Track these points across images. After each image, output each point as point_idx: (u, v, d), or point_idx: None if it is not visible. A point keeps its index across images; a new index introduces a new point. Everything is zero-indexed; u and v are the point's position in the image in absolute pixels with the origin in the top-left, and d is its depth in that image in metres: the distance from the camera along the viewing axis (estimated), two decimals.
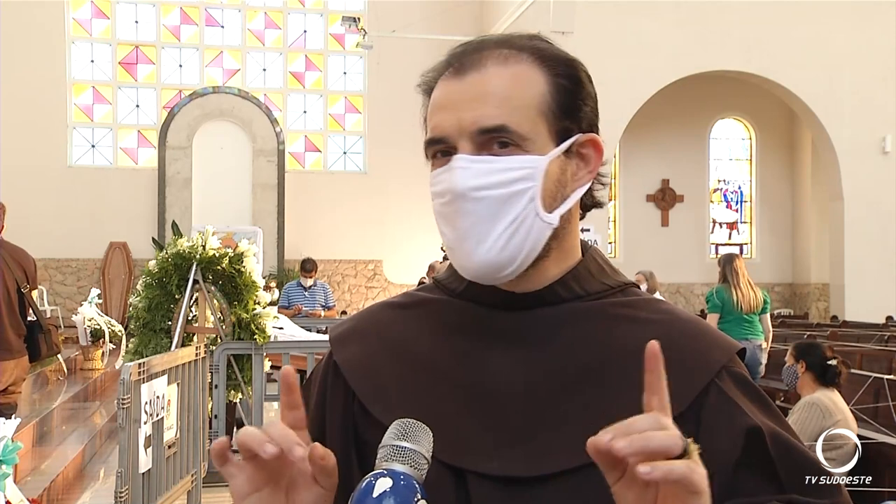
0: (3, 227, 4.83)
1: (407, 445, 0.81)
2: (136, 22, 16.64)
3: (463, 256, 0.94)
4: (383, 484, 0.77)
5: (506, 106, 0.93)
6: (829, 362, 4.42)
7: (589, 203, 1.03)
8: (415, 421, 0.83)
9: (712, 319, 7.03)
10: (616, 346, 0.95)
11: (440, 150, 0.96)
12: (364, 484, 0.78)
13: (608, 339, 0.96)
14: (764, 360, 7.26)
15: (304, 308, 9.19)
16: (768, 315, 7.35)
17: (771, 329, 7.51)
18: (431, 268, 9.24)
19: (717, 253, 17.72)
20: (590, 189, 1.02)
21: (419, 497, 0.78)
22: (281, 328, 6.55)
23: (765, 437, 0.91)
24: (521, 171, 0.93)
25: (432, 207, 0.98)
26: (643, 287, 8.18)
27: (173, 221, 6.72)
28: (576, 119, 0.97)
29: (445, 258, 8.90)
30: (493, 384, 0.94)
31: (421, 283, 5.61)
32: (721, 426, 0.91)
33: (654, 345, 0.76)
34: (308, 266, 9.57)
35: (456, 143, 0.94)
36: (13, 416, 2.65)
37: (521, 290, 0.98)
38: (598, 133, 1.01)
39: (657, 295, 7.44)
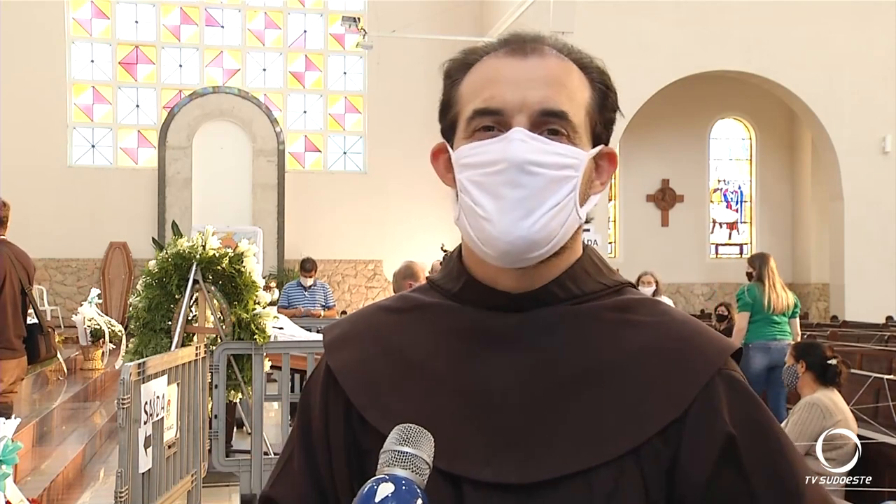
0: (7, 225, 4.83)
1: (408, 450, 0.81)
2: (136, 22, 16.64)
3: (501, 228, 0.92)
4: (385, 489, 0.77)
5: (566, 95, 0.96)
6: (829, 362, 4.42)
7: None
8: (416, 426, 0.83)
9: (742, 318, 6.96)
10: (612, 348, 0.95)
11: (489, 123, 0.95)
12: (366, 489, 0.78)
13: (604, 341, 0.95)
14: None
15: (303, 308, 9.19)
16: (797, 318, 7.26)
17: (799, 333, 7.42)
18: (432, 268, 9.24)
19: (716, 253, 17.75)
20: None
21: (421, 502, 0.78)
22: (281, 328, 6.54)
23: (738, 445, 0.90)
24: (571, 160, 0.94)
25: (462, 179, 0.96)
26: (652, 289, 7.72)
27: (173, 221, 6.71)
28: (606, 128, 1.01)
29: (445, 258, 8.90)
30: (488, 389, 0.94)
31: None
32: (701, 432, 0.90)
33: None
34: (308, 266, 9.56)
35: (511, 118, 0.94)
36: (13, 417, 2.65)
37: (518, 290, 0.97)
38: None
39: (664, 298, 7.48)
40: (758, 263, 7.19)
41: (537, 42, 0.98)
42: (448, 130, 1.01)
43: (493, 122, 0.95)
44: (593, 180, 0.99)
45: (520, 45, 0.98)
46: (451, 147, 1.00)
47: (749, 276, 7.26)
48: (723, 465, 0.90)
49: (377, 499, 0.77)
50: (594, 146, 0.98)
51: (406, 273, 5.22)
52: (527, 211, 0.92)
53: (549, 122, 0.94)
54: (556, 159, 0.93)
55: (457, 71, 1.01)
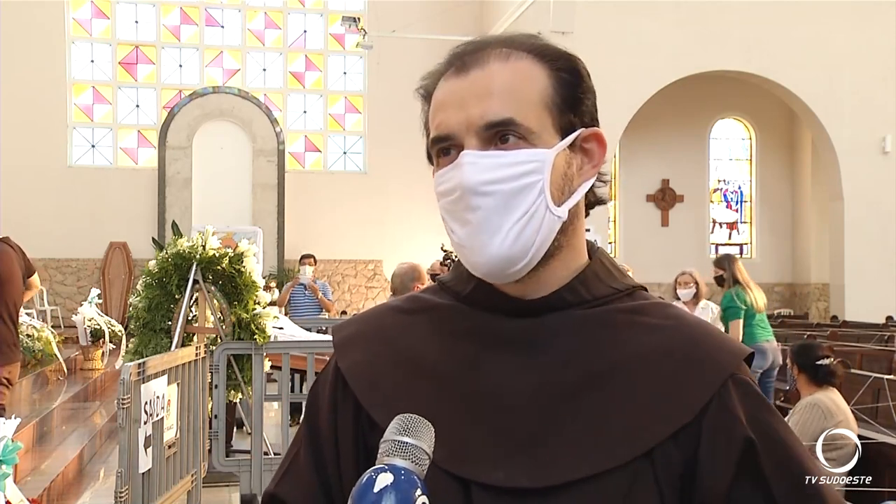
0: None
1: (408, 441, 0.81)
2: (136, 22, 16.64)
3: (475, 252, 0.93)
4: (384, 479, 0.77)
5: (511, 100, 0.93)
6: (819, 362, 4.41)
7: (592, 200, 1.03)
8: (416, 416, 0.83)
9: (738, 325, 6.66)
10: (623, 352, 0.94)
11: (445, 147, 0.96)
12: (365, 479, 0.78)
13: (615, 345, 0.95)
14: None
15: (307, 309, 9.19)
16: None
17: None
18: (432, 268, 9.24)
19: (717, 253, 17.72)
20: (591, 186, 1.01)
21: (420, 492, 0.78)
22: (281, 328, 6.54)
23: (757, 450, 0.90)
24: (530, 165, 0.93)
25: (439, 208, 0.97)
26: (692, 290, 6.78)
27: (173, 221, 6.71)
28: (578, 113, 0.97)
29: (445, 258, 8.90)
30: (499, 392, 0.93)
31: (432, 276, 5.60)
32: (719, 438, 0.90)
33: None
34: (306, 256, 9.67)
35: (462, 139, 0.94)
36: (13, 417, 2.65)
37: (529, 296, 0.97)
38: (599, 127, 1.01)
39: (706, 300, 6.91)
40: (727, 265, 6.95)
41: (478, 52, 0.97)
42: (429, 156, 1.02)
43: (447, 146, 0.96)
44: (577, 170, 0.97)
45: (461, 62, 0.97)
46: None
47: (719, 279, 6.98)
48: (743, 469, 0.90)
49: (376, 489, 0.77)
50: (566, 135, 0.96)
51: (414, 275, 5.25)
52: (491, 231, 0.92)
53: (499, 132, 0.93)
54: (511, 171, 0.92)
55: (424, 101, 1.02)
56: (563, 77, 0.97)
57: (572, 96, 0.97)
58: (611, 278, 1.01)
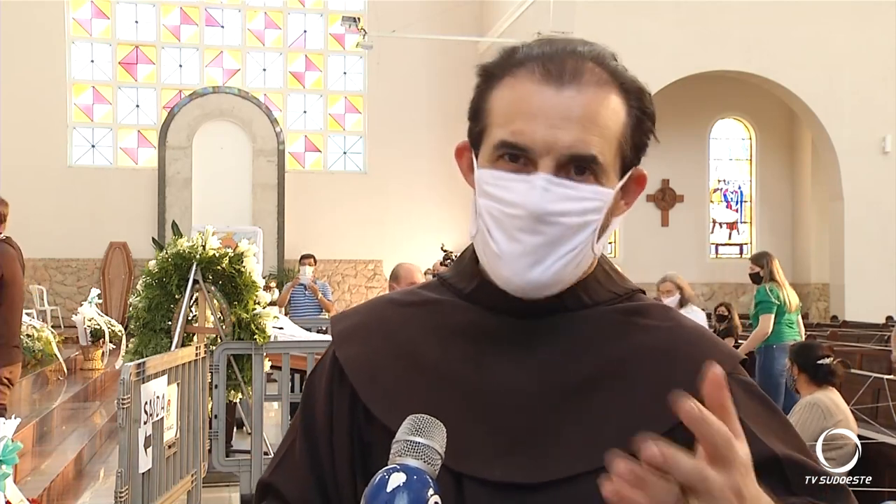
0: (6, 223, 4.83)
1: (421, 441, 0.81)
2: (136, 22, 16.64)
3: (512, 270, 0.92)
4: (397, 479, 0.78)
5: (599, 136, 0.92)
6: (819, 362, 4.41)
7: None
8: (429, 417, 0.83)
9: (768, 320, 6.63)
10: (621, 351, 0.95)
11: (515, 154, 0.92)
12: (378, 479, 0.79)
13: (613, 346, 0.96)
14: None
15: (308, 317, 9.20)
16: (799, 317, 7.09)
17: (804, 332, 7.23)
18: (434, 268, 9.24)
19: (717, 253, 17.74)
20: None
21: (432, 492, 0.78)
22: (281, 328, 6.54)
23: (779, 459, 0.90)
24: (595, 203, 0.92)
25: (481, 205, 0.94)
26: (674, 298, 6.56)
27: (173, 221, 6.71)
28: (637, 152, 0.98)
29: (445, 258, 8.91)
30: (498, 390, 0.94)
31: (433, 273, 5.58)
32: None
33: (716, 374, 0.71)
34: (306, 256, 9.68)
35: (538, 157, 0.91)
36: (13, 417, 2.65)
37: (531, 299, 0.97)
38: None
39: (691, 305, 6.74)
40: (766, 262, 6.91)
41: (577, 62, 0.93)
42: (474, 138, 0.98)
43: (519, 155, 0.93)
44: (617, 203, 0.96)
45: (558, 69, 0.92)
46: (475, 156, 0.98)
47: (756, 276, 6.94)
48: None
49: (388, 488, 0.77)
50: (623, 174, 0.96)
51: (392, 276, 5.20)
52: (540, 258, 0.91)
53: (578, 163, 0.91)
54: (578, 206, 0.91)
55: (489, 77, 0.97)
56: (640, 117, 0.96)
57: (641, 137, 0.97)
58: (611, 282, 1.02)
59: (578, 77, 0.92)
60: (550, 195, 0.90)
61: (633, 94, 0.96)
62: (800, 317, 7.05)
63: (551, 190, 0.90)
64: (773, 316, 6.68)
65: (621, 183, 0.95)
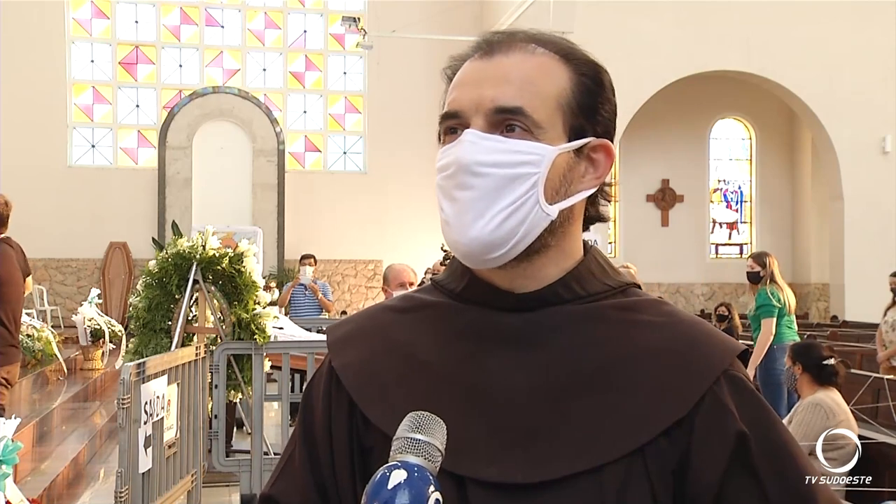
0: (7, 223, 4.83)
1: (421, 438, 0.81)
2: (136, 22, 16.64)
3: (458, 231, 0.93)
4: (398, 476, 0.78)
5: (526, 90, 0.94)
6: (825, 362, 4.41)
7: (592, 215, 1.03)
8: (429, 414, 0.83)
9: (770, 324, 6.59)
10: (617, 348, 0.95)
11: (452, 126, 0.96)
12: (379, 476, 0.79)
13: (609, 342, 0.95)
14: None
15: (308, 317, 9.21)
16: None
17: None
18: (434, 268, 9.24)
19: (717, 253, 17.73)
20: (595, 200, 1.01)
21: (433, 489, 0.78)
22: (281, 328, 6.54)
23: (750, 444, 0.90)
24: (529, 156, 0.93)
25: (436, 186, 0.97)
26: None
27: (173, 221, 6.71)
28: (592, 120, 0.98)
29: (445, 258, 8.90)
30: (493, 388, 0.94)
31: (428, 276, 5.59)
32: (712, 433, 0.90)
33: None
34: (306, 256, 9.71)
35: (470, 119, 0.94)
36: (13, 417, 2.65)
37: (520, 290, 0.97)
38: (612, 142, 1.00)
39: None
40: (766, 262, 6.88)
41: (506, 41, 0.97)
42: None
43: (455, 124, 0.96)
44: (578, 176, 0.97)
45: (488, 46, 0.97)
46: None
47: (755, 275, 6.89)
48: (735, 463, 0.90)
49: (389, 485, 0.77)
50: (575, 139, 0.96)
51: (383, 278, 5.24)
52: (478, 212, 0.92)
53: (507, 120, 0.93)
54: (508, 157, 0.92)
55: (448, 82, 1.02)
56: (585, 82, 0.98)
57: (589, 103, 0.98)
58: (604, 275, 1.01)
59: (506, 48, 0.97)
60: (477, 147, 0.92)
61: (577, 61, 0.98)
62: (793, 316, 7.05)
63: (478, 143, 0.92)
64: (774, 319, 6.66)
65: (570, 145, 0.95)
